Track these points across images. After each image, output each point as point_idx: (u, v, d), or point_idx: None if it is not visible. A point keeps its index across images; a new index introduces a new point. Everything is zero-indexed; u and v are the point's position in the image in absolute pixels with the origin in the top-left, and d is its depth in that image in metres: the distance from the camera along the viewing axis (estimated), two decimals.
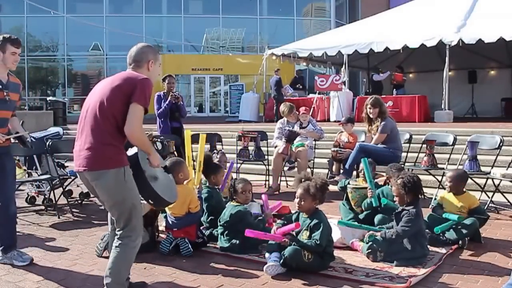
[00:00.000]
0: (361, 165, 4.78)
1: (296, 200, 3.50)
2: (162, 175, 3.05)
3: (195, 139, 4.91)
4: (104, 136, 2.67)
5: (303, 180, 3.60)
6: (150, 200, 2.87)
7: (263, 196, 4.52)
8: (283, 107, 7.08)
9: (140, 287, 3.09)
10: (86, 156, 2.68)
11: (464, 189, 4.26)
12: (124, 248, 2.74)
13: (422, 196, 5.42)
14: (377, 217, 4.06)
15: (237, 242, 3.72)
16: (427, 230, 3.85)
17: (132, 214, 2.73)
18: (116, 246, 2.75)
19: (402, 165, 5.14)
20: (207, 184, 4.44)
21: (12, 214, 3.66)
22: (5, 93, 3.57)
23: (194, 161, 4.67)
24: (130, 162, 2.77)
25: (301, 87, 15.73)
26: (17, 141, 3.84)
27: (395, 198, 3.71)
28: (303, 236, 3.42)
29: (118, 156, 2.69)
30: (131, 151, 2.84)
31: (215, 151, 6.34)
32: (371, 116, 5.98)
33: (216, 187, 4.41)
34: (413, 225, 3.48)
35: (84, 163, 2.68)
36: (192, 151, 4.72)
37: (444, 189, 4.80)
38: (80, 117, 2.83)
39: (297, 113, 6.97)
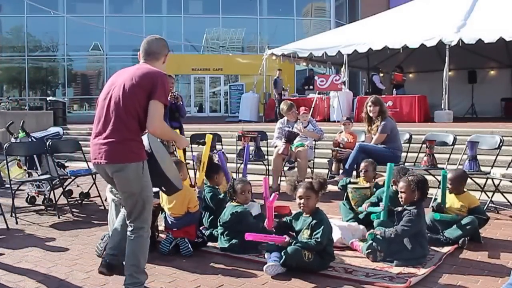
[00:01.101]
0: (362, 165, 4.79)
1: (300, 200, 3.48)
2: (170, 162, 3.20)
3: (197, 139, 4.91)
4: (129, 132, 2.77)
5: (296, 183, 3.59)
6: (163, 187, 2.98)
7: (263, 181, 4.40)
8: (282, 105, 7.09)
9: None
10: (109, 150, 2.77)
11: (464, 189, 4.26)
12: (140, 239, 2.86)
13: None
14: (376, 221, 4.05)
15: (237, 242, 3.72)
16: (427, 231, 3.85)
17: (145, 206, 2.86)
18: (131, 239, 2.86)
19: (406, 167, 5.12)
20: (208, 184, 4.44)
21: None
22: None
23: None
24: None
25: (312, 87, 15.68)
26: None
27: (401, 195, 3.65)
28: (304, 235, 3.42)
29: (139, 150, 2.81)
30: (144, 142, 2.90)
31: (215, 151, 6.33)
32: (371, 114, 5.96)
33: (217, 186, 4.40)
34: (413, 225, 3.48)
35: (107, 156, 2.78)
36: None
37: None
38: (100, 109, 2.89)
39: (297, 112, 6.95)
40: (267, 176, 4.33)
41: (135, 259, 2.85)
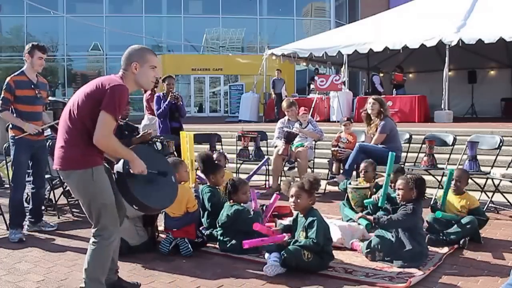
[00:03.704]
0: (362, 165, 4.78)
1: (291, 199, 3.49)
2: (159, 179, 2.94)
3: (197, 139, 4.92)
4: (72, 138, 2.70)
5: (292, 182, 3.60)
6: (134, 206, 2.83)
7: (254, 192, 4.23)
8: (283, 103, 7.10)
9: (134, 286, 3.08)
10: (57, 156, 2.75)
11: (464, 189, 4.26)
12: (97, 246, 2.77)
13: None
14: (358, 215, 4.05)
15: (237, 242, 3.71)
16: (426, 231, 3.85)
17: (101, 213, 2.74)
18: (90, 244, 2.80)
19: (402, 166, 5.14)
20: (208, 184, 4.43)
21: (42, 195, 4.81)
22: (36, 91, 4.42)
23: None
24: (116, 165, 2.78)
25: None
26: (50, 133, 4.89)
27: (398, 192, 3.64)
28: (300, 237, 3.42)
29: (84, 158, 2.69)
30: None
31: (214, 151, 6.33)
32: (370, 112, 5.94)
33: (217, 187, 4.39)
34: (407, 219, 3.49)
35: (57, 162, 2.75)
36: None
37: (442, 188, 4.80)
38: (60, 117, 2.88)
39: (297, 112, 6.94)
40: (278, 194, 4.25)
41: (88, 265, 2.76)
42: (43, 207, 4.95)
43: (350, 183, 4.68)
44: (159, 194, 2.94)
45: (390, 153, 4.09)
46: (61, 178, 2.80)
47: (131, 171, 2.75)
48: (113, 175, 2.82)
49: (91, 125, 2.64)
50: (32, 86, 4.39)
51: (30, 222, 4.57)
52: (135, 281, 3.13)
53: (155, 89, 7.27)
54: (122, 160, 2.77)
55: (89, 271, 2.75)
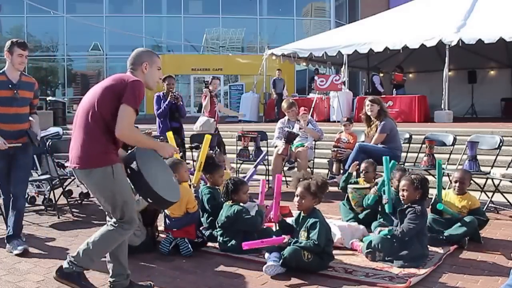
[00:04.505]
0: (362, 166, 4.78)
1: (296, 198, 3.49)
2: (164, 174, 3.03)
3: (196, 139, 4.92)
4: (92, 135, 2.74)
5: (301, 179, 3.57)
6: (149, 199, 2.86)
7: (261, 183, 4.22)
8: (283, 103, 7.11)
9: None
10: (76, 155, 2.77)
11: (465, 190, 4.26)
12: (113, 229, 2.82)
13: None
14: (374, 224, 4.04)
15: (237, 242, 3.71)
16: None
17: (124, 210, 2.81)
18: (107, 225, 2.84)
19: (401, 166, 5.13)
20: (208, 184, 4.43)
21: (19, 207, 4.02)
22: (14, 92, 3.96)
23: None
24: (125, 162, 2.79)
25: None
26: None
27: (403, 193, 3.62)
28: (302, 237, 3.42)
29: (104, 155, 2.74)
30: (130, 153, 2.84)
31: (216, 152, 6.33)
32: (370, 114, 5.93)
33: (217, 187, 4.38)
34: (419, 223, 3.48)
35: (75, 161, 2.77)
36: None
37: (444, 189, 4.81)
38: (75, 116, 2.90)
39: (297, 112, 6.94)
40: (264, 179, 4.25)
41: (92, 239, 2.80)
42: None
43: (350, 176, 4.70)
44: (170, 189, 2.99)
45: (384, 157, 4.07)
46: (78, 177, 2.79)
47: (149, 165, 2.80)
48: (127, 171, 2.82)
49: (111, 119, 2.70)
50: (10, 86, 3.96)
51: (7, 238, 3.97)
52: (148, 282, 3.10)
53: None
54: (129, 155, 2.80)
55: (88, 247, 2.80)
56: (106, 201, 2.81)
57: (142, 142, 2.85)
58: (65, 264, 2.85)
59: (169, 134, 4.94)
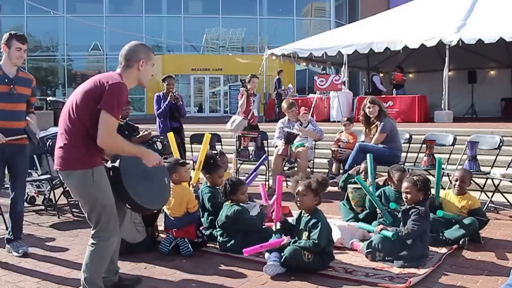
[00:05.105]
0: (362, 166, 4.78)
1: (297, 197, 3.49)
2: (147, 179, 2.94)
3: (196, 139, 4.91)
4: (71, 139, 2.67)
5: (300, 180, 3.58)
6: (127, 205, 2.83)
7: (260, 187, 4.32)
8: (283, 103, 7.11)
9: (135, 281, 3.09)
10: (57, 156, 2.72)
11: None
12: (95, 248, 2.75)
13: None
14: (374, 224, 4.03)
15: (237, 242, 3.71)
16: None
17: (101, 214, 2.72)
18: (89, 246, 2.78)
19: (403, 166, 5.13)
20: (208, 184, 4.42)
21: (18, 211, 3.96)
22: (11, 87, 3.78)
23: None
24: (111, 160, 2.77)
25: None
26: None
27: (406, 195, 3.61)
28: (303, 237, 3.42)
29: (84, 158, 2.66)
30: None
31: (218, 153, 6.32)
32: (370, 115, 5.92)
33: (217, 187, 4.37)
34: (422, 223, 3.48)
35: (57, 162, 2.73)
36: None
37: (444, 189, 4.81)
38: (61, 114, 2.85)
39: (298, 112, 6.94)
40: (264, 184, 4.24)
41: (86, 266, 2.75)
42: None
43: (349, 175, 4.70)
44: (150, 194, 2.92)
45: (368, 155, 4.07)
46: (61, 178, 2.77)
47: (133, 170, 2.74)
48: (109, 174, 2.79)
49: (90, 125, 2.61)
50: (6, 80, 3.77)
51: (7, 240, 3.95)
52: (136, 275, 3.13)
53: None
54: (115, 163, 2.76)
55: (87, 272, 2.74)
56: (85, 203, 2.74)
57: (126, 150, 2.73)
58: None
59: (170, 135, 4.94)
